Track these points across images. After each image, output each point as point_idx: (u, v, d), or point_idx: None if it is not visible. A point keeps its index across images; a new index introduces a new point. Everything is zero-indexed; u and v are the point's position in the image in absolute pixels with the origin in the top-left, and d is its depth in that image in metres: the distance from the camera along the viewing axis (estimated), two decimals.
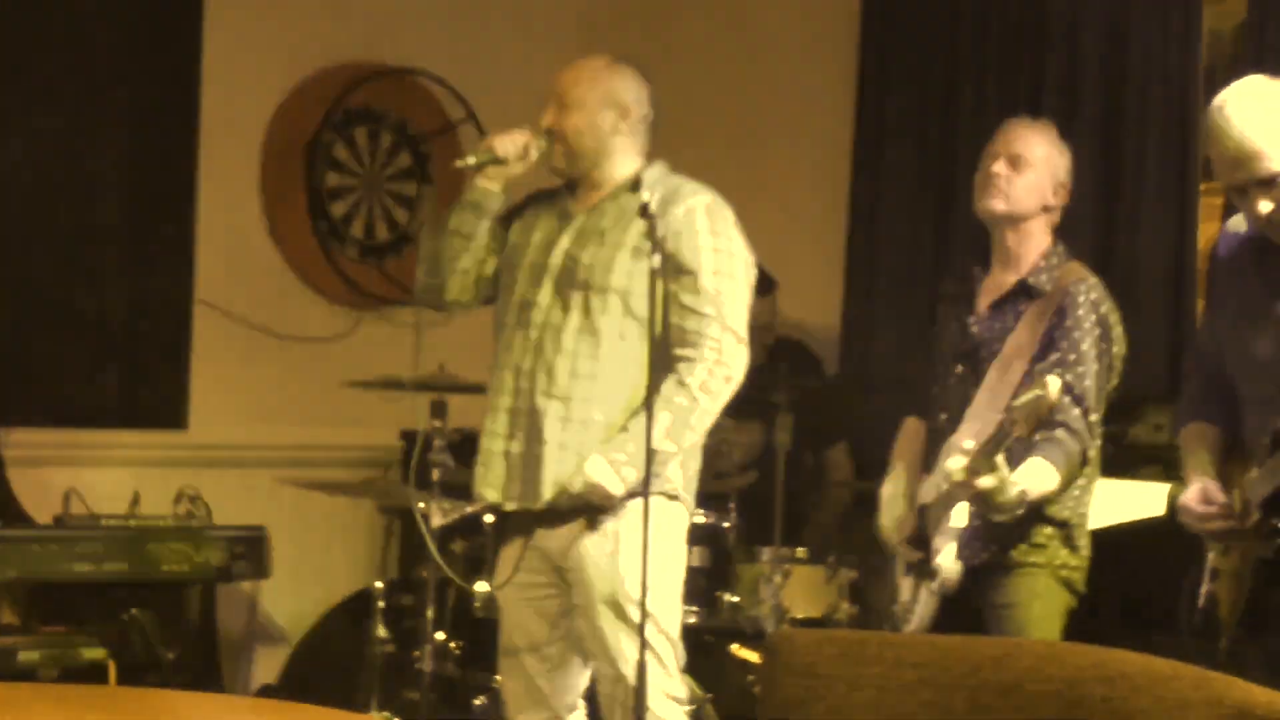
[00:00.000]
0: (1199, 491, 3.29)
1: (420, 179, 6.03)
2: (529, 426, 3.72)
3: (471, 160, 3.84)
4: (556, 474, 3.69)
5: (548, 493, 3.70)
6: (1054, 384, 3.56)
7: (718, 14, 6.26)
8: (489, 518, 3.89)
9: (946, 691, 2.52)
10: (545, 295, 3.75)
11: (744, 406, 5.17)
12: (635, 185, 3.76)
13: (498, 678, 4.02)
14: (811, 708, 2.59)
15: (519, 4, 6.23)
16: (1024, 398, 3.61)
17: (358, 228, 6.01)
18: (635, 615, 3.59)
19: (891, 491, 4.10)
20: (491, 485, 3.78)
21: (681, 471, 3.76)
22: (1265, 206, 3.17)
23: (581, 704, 3.91)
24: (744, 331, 3.74)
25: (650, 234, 3.58)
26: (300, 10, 5.86)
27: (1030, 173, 3.93)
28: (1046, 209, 3.97)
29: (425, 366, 4.74)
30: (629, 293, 3.70)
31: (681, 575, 3.81)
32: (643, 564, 3.45)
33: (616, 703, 3.70)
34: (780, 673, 2.66)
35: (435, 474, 4.63)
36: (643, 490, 3.52)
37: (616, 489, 3.64)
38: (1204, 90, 5.09)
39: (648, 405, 3.54)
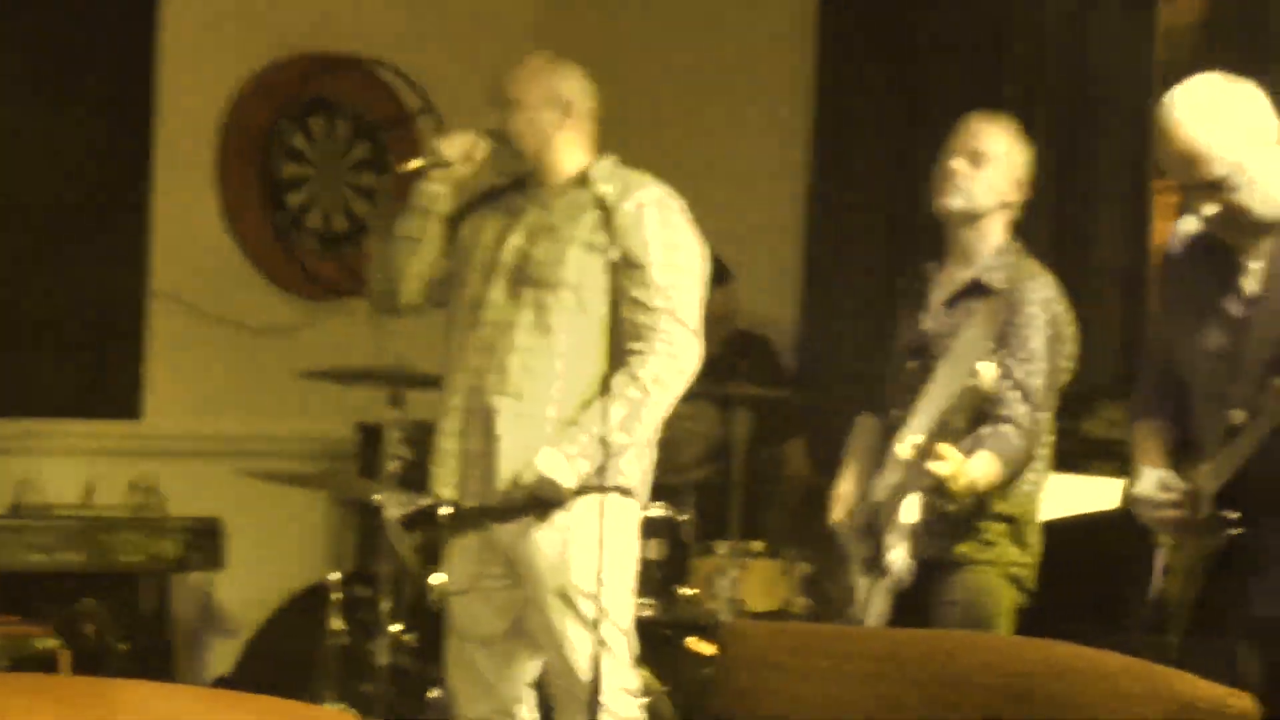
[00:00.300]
0: (1156, 480, 3.31)
1: (378, 169, 6.02)
2: (483, 424, 3.73)
3: (417, 164, 3.85)
4: (511, 470, 3.69)
5: (502, 489, 3.70)
6: (987, 371, 3.58)
7: (676, 3, 6.26)
8: (445, 510, 3.89)
9: (897, 684, 2.53)
10: (497, 293, 3.75)
11: (702, 400, 5.20)
12: (585, 180, 3.78)
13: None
14: (762, 699, 2.60)
15: None
16: (960, 387, 3.64)
17: (315, 218, 5.99)
18: (586, 608, 3.61)
19: (846, 489, 4.11)
20: (447, 484, 3.79)
21: (637, 465, 3.77)
22: (1210, 209, 3.19)
23: (528, 695, 3.91)
24: (696, 324, 3.75)
25: (608, 228, 3.59)
26: (258, 1, 5.84)
27: (989, 169, 3.93)
28: (1005, 205, 3.97)
29: (382, 358, 4.73)
30: (581, 288, 3.71)
31: (634, 568, 3.82)
32: (598, 558, 3.46)
33: (569, 695, 3.70)
34: (732, 664, 2.67)
35: (392, 466, 4.62)
36: (596, 484, 3.53)
37: (569, 481, 3.64)
38: (1160, 89, 5.10)
39: (603, 399, 3.55)
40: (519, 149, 3.80)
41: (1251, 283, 3.23)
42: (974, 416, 3.73)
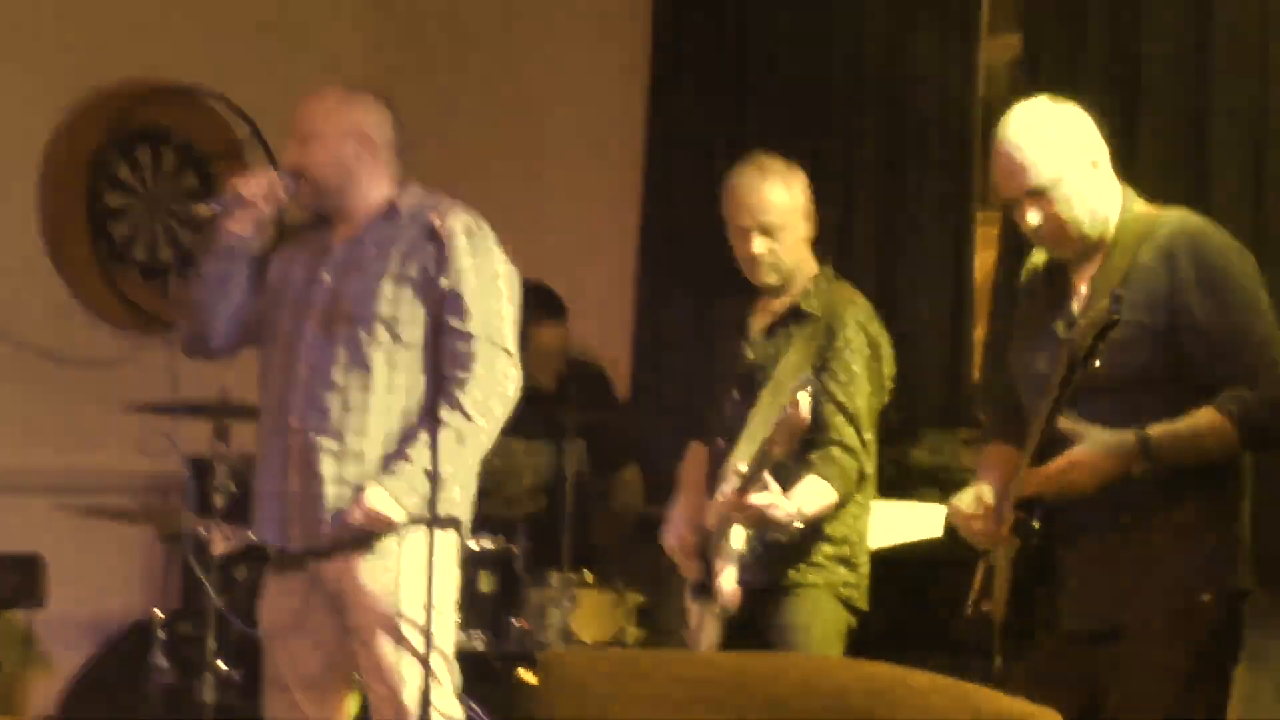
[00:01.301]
0: (971, 494, 3.35)
1: (205, 200, 5.94)
2: (303, 464, 3.69)
3: (217, 206, 3.81)
4: (336, 509, 3.67)
5: (328, 528, 3.67)
6: (804, 401, 3.62)
7: (508, 36, 6.27)
8: (270, 548, 3.85)
9: (715, 706, 2.56)
10: (311, 331, 3.72)
11: (534, 430, 5.20)
12: (392, 211, 3.77)
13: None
14: None
15: (305, 23, 6.19)
16: (779, 417, 3.67)
17: (140, 249, 5.91)
18: (411, 636, 3.60)
19: (678, 516, 4.13)
20: (270, 527, 3.75)
21: (460, 495, 3.76)
22: (1034, 218, 3.26)
23: None
24: (514, 348, 3.74)
25: (438, 256, 3.57)
26: (82, 27, 5.75)
27: (785, 233, 3.98)
28: (805, 239, 4.03)
29: (208, 390, 4.67)
30: (395, 320, 3.69)
31: (455, 596, 3.81)
32: (425, 589, 3.44)
33: None
34: (553, 692, 2.68)
35: (218, 500, 4.57)
36: (422, 516, 3.52)
37: (398, 516, 3.63)
38: (980, 123, 5.23)
39: (427, 430, 3.53)
40: (318, 184, 3.77)
41: (1077, 305, 3.30)
42: (796, 446, 3.75)
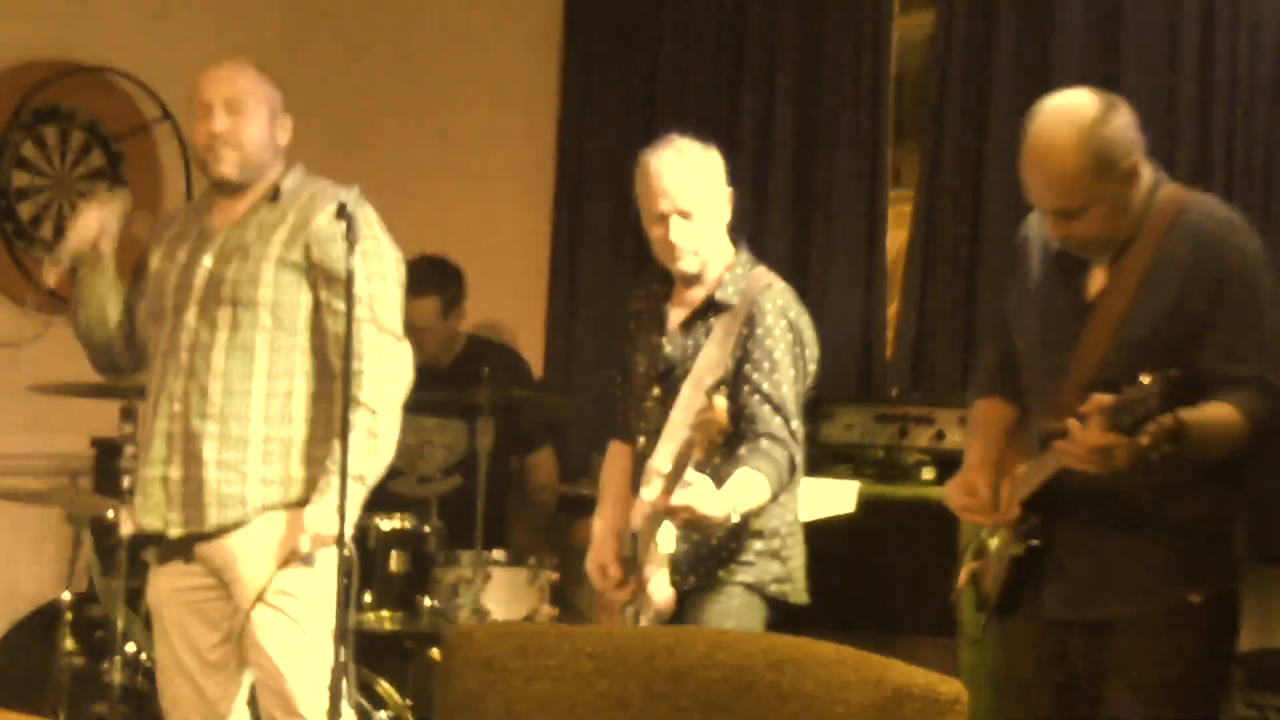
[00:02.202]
0: (962, 482, 3.28)
1: (112, 179, 5.89)
2: (186, 450, 3.67)
3: (61, 266, 3.80)
4: (219, 494, 3.65)
5: (213, 515, 3.65)
6: (720, 405, 3.52)
7: (421, 12, 6.24)
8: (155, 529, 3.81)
9: (621, 680, 2.56)
10: (192, 316, 3.70)
11: (447, 409, 5.17)
12: (274, 195, 3.73)
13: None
14: (489, 700, 2.61)
15: (216, 2, 6.13)
16: (695, 421, 3.56)
17: (47, 228, 5.85)
18: (292, 610, 3.60)
19: (600, 528, 4.01)
20: (152, 513, 3.71)
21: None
22: (1061, 230, 3.12)
23: (244, 710, 3.85)
24: (401, 330, 3.72)
25: (348, 237, 3.52)
26: None
27: (703, 218, 3.83)
28: (723, 221, 3.89)
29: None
30: (277, 304, 3.66)
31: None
32: (339, 577, 3.41)
33: (275, 696, 3.65)
34: (458, 667, 2.67)
35: (126, 481, 4.51)
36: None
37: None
38: (894, 101, 5.25)
39: (340, 437, 3.49)
40: (248, 159, 3.70)
41: (1093, 289, 3.17)
42: (715, 448, 3.61)
